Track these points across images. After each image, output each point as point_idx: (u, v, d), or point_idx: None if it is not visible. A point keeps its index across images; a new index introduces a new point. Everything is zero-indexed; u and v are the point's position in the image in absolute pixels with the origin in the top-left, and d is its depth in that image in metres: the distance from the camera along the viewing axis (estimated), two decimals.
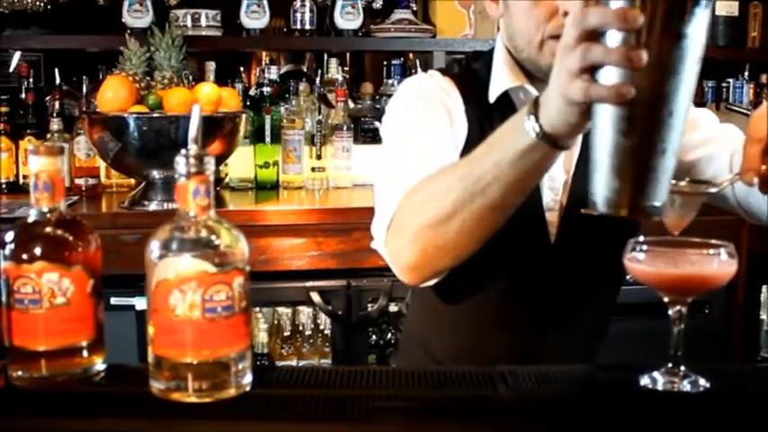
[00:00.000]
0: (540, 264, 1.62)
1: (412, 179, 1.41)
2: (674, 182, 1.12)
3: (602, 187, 1.06)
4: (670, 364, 1.16)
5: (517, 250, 1.56)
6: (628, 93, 0.98)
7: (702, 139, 1.59)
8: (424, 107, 1.59)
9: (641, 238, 1.16)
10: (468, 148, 1.50)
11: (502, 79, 1.61)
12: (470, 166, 1.28)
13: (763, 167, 1.16)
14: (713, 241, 1.14)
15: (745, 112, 3.51)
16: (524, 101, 1.59)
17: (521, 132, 1.16)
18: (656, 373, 1.16)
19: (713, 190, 1.32)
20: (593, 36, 1.01)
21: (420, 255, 1.37)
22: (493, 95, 1.60)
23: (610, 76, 1.00)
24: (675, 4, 0.97)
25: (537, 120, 1.14)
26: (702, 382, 1.15)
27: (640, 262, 1.15)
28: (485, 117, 1.59)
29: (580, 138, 1.49)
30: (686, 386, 1.14)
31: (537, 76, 1.57)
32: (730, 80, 3.58)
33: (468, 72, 1.68)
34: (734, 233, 2.94)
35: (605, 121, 1.02)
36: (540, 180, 1.25)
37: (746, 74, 3.63)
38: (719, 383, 1.15)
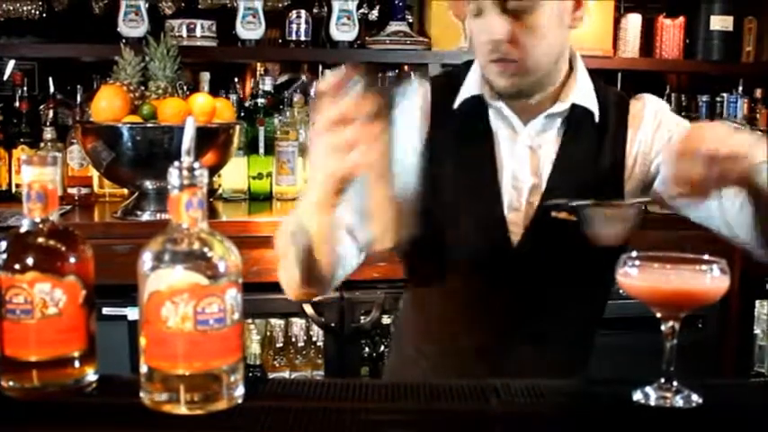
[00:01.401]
0: (503, 266, 1.64)
1: None
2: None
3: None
4: (663, 380, 1.16)
5: (479, 252, 1.61)
6: (355, 168, 1.20)
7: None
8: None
9: (634, 254, 1.16)
10: (432, 148, 1.59)
11: (469, 87, 1.67)
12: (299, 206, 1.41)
13: (688, 179, 1.29)
14: (706, 257, 1.15)
15: (739, 127, 3.52)
16: (494, 108, 1.66)
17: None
18: (648, 389, 1.16)
19: (634, 201, 1.51)
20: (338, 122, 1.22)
21: (285, 279, 1.51)
22: (457, 102, 1.67)
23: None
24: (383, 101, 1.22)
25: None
26: (695, 397, 1.15)
27: (633, 277, 1.15)
28: (449, 121, 1.66)
29: (556, 142, 1.62)
30: (679, 401, 1.14)
31: None
32: (725, 95, 3.59)
33: (448, 77, 1.76)
34: (727, 248, 2.94)
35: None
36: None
37: (741, 88, 3.64)
38: (712, 399, 1.15)
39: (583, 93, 1.65)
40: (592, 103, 1.65)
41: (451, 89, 1.68)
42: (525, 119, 1.65)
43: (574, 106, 1.64)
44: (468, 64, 1.72)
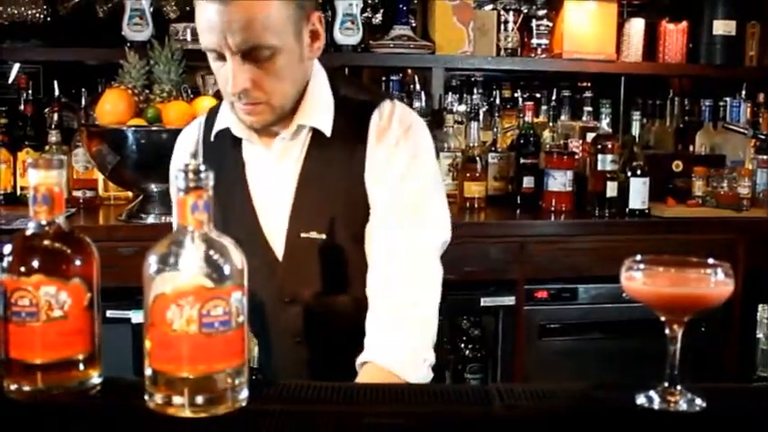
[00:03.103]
0: (276, 280, 1.73)
1: None
2: None
3: None
4: (666, 383, 1.16)
5: (255, 270, 1.66)
6: None
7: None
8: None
9: (638, 257, 1.16)
10: None
11: (221, 120, 1.76)
12: None
13: None
14: (710, 261, 1.15)
15: (742, 131, 3.52)
16: (246, 137, 1.74)
17: None
18: (652, 392, 1.16)
19: None
20: None
21: None
22: (212, 134, 1.77)
23: None
24: None
25: None
26: (699, 401, 1.14)
27: (637, 281, 1.15)
28: (209, 153, 1.76)
29: (299, 161, 1.69)
30: (683, 405, 1.14)
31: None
32: (727, 99, 3.58)
33: (214, 109, 1.84)
34: (731, 251, 2.95)
35: None
36: None
37: (744, 93, 3.64)
38: (716, 403, 1.15)
39: (313, 112, 1.69)
40: (322, 121, 1.69)
41: (212, 121, 1.78)
42: (268, 144, 1.72)
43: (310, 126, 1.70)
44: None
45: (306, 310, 1.73)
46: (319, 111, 1.69)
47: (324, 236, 1.68)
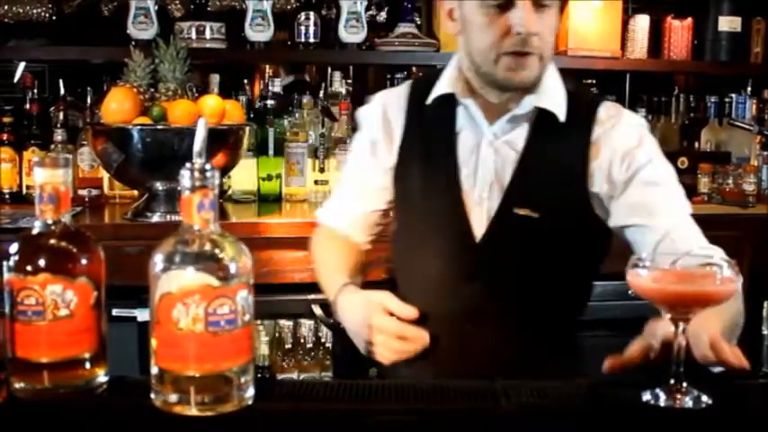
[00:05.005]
0: (468, 260, 1.71)
1: (332, 207, 1.94)
2: None
3: None
4: (672, 381, 1.16)
5: (443, 245, 1.72)
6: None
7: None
8: (355, 143, 1.94)
9: (643, 255, 1.16)
10: (405, 142, 1.79)
11: (442, 86, 1.75)
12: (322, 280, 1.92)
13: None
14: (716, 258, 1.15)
15: (747, 127, 3.51)
16: (463, 107, 1.74)
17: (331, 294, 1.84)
18: (658, 390, 1.16)
19: None
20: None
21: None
22: (429, 99, 1.76)
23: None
24: None
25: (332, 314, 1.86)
26: (705, 398, 1.15)
27: (643, 278, 1.15)
28: (421, 118, 1.79)
29: (521, 143, 1.69)
30: (688, 402, 1.14)
31: (476, 88, 1.72)
32: (733, 95, 3.58)
33: (427, 77, 1.84)
34: (736, 248, 2.94)
35: None
36: None
37: (749, 89, 3.63)
38: (722, 400, 1.16)
39: (548, 95, 1.70)
40: (556, 105, 1.70)
41: (427, 88, 1.77)
42: (491, 119, 1.71)
43: (539, 108, 1.69)
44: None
45: (492, 292, 1.70)
46: (556, 97, 1.71)
47: (537, 214, 1.66)
